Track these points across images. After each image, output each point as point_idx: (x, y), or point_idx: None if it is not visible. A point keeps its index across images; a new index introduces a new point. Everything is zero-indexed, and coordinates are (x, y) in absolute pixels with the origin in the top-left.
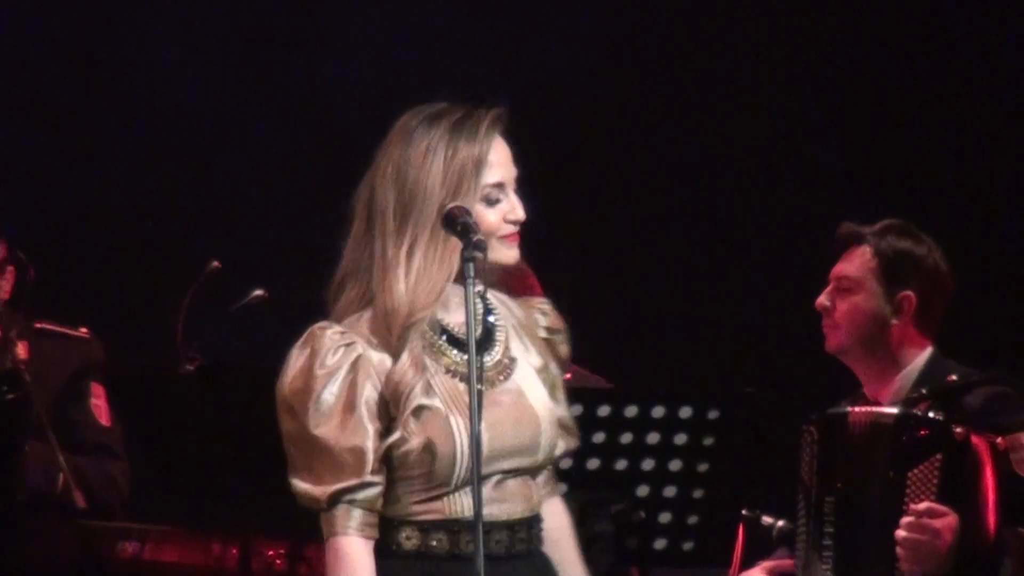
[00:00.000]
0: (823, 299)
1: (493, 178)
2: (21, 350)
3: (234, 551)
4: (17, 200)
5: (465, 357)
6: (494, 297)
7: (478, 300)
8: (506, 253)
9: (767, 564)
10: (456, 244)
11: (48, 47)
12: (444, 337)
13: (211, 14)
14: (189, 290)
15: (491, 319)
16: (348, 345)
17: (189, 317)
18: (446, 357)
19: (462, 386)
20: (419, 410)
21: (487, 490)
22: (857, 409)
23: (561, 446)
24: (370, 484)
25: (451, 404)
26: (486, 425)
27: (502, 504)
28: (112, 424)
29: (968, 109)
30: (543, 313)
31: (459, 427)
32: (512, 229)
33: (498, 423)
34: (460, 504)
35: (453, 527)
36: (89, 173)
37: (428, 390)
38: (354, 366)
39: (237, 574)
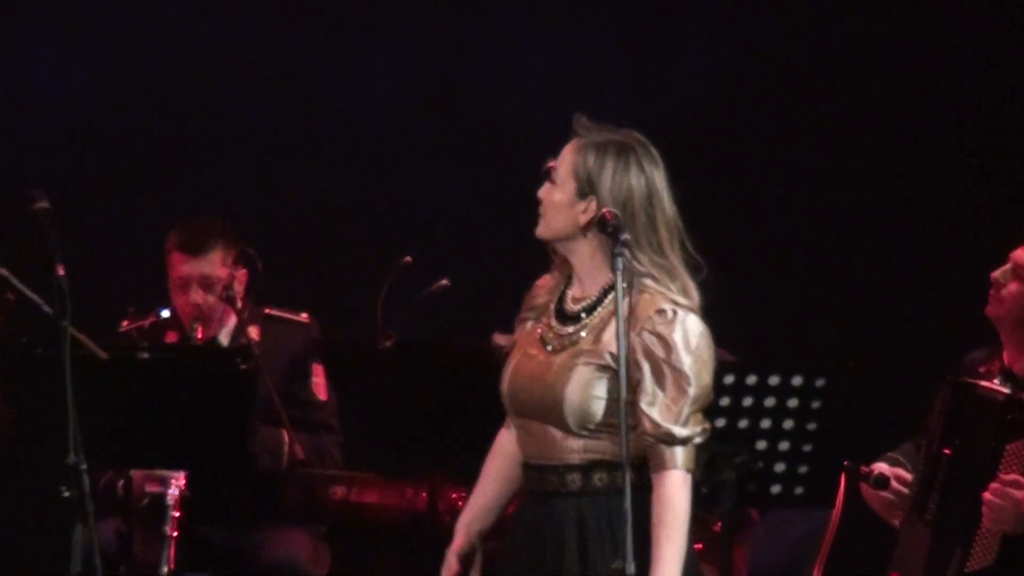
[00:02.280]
0: (998, 274)
1: None
2: (253, 332)
3: (423, 495)
4: (251, 206)
5: (548, 321)
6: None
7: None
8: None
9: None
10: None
11: (262, 69)
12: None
13: (392, 31)
14: (386, 280)
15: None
16: None
17: (387, 303)
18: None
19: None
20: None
21: (517, 431)
22: (982, 383)
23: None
24: None
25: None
26: (511, 374)
27: (527, 447)
28: (328, 398)
29: None
30: (657, 323)
31: (505, 371)
32: None
33: (518, 375)
34: (517, 439)
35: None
36: (305, 183)
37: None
38: None
39: (426, 513)
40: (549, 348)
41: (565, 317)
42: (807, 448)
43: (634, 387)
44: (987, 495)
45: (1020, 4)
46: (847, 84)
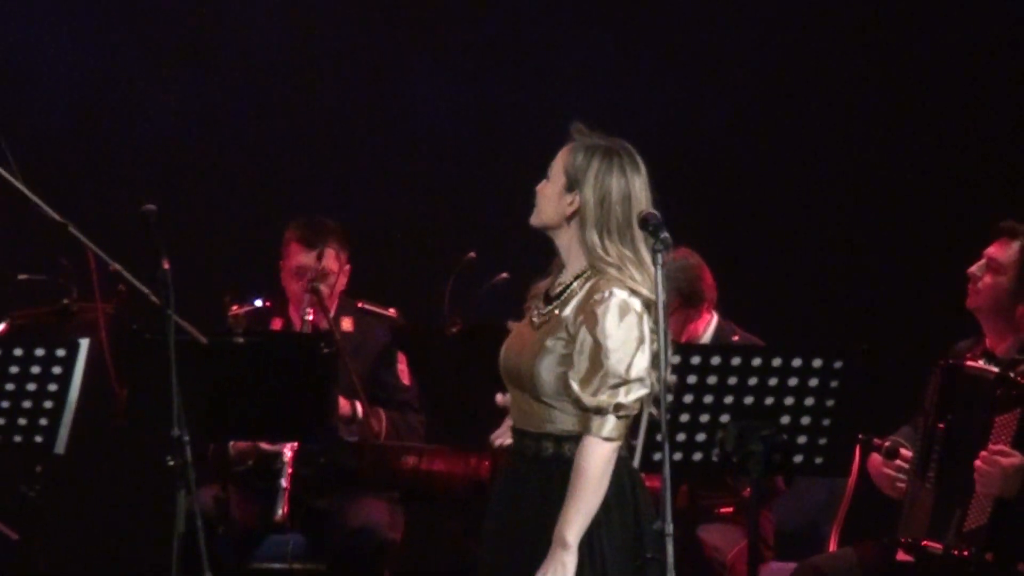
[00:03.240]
0: (975, 269)
1: None
2: (347, 324)
3: (486, 463)
4: (337, 209)
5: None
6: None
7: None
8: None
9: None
10: None
11: (347, 89)
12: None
13: (455, 57)
14: (453, 274)
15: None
16: None
17: (453, 294)
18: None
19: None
20: None
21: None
22: (971, 364)
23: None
24: None
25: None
26: (504, 350)
27: (513, 414)
28: (411, 383)
29: None
30: (594, 301)
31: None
32: None
33: (508, 349)
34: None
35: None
36: (385, 190)
37: None
38: None
39: (487, 480)
40: (532, 326)
41: (548, 299)
42: (826, 423)
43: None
44: (978, 463)
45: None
46: (864, 83)
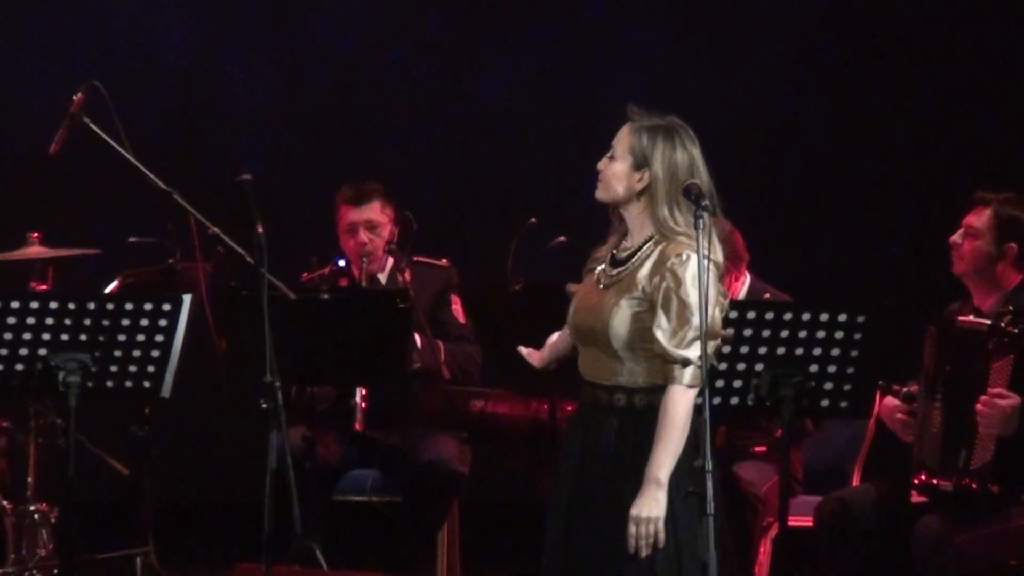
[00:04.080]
0: (956, 237)
1: None
2: (407, 275)
3: (545, 407)
4: (416, 179)
5: (603, 267)
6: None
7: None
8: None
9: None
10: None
11: (419, 68)
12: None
13: (522, 36)
14: (515, 237)
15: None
16: None
17: (516, 254)
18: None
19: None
20: None
21: (580, 354)
22: (963, 318)
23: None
24: None
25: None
26: (573, 309)
27: (585, 367)
28: (466, 320)
29: None
30: (674, 263)
31: (571, 307)
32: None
33: (578, 309)
34: (579, 361)
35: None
36: (457, 162)
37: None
38: None
39: (547, 422)
40: (602, 286)
41: (616, 262)
42: (850, 371)
43: (652, 315)
44: (979, 406)
45: None
46: (890, 62)
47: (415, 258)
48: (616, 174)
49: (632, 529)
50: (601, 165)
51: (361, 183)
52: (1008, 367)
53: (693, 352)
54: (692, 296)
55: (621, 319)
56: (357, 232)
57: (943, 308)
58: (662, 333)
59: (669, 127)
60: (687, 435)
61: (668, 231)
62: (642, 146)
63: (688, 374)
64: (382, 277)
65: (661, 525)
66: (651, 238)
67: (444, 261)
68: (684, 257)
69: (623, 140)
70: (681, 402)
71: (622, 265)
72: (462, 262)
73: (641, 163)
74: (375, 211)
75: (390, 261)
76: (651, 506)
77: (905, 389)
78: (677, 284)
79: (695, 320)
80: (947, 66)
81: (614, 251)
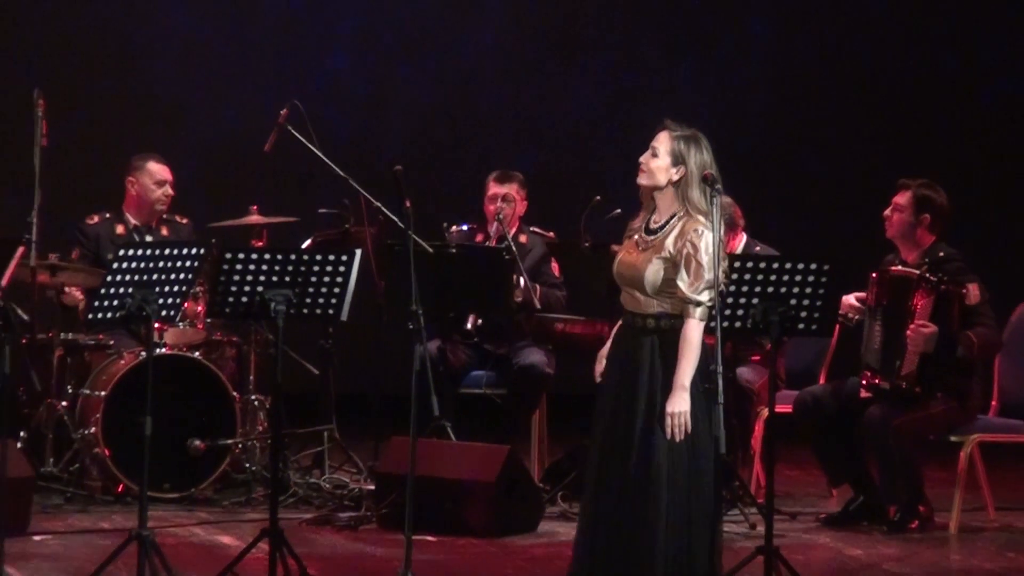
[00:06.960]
0: (887, 212)
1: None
2: (523, 239)
3: (605, 328)
4: (521, 166)
5: (639, 235)
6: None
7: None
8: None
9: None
10: None
11: (514, 83)
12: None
13: (593, 54)
14: (586, 209)
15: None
16: None
17: (588, 219)
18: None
19: (626, 242)
20: None
21: (622, 293)
22: (895, 268)
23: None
24: None
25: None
26: (617, 263)
27: (627, 302)
28: (560, 276)
29: None
30: (692, 236)
31: (616, 260)
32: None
33: (621, 263)
34: (621, 298)
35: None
36: (547, 156)
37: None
38: None
39: (607, 336)
40: (639, 248)
41: (649, 231)
42: (819, 304)
43: (675, 270)
44: (908, 332)
45: None
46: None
47: (532, 229)
48: (659, 168)
49: (668, 421)
50: (643, 159)
51: (507, 170)
52: (930, 305)
53: (704, 296)
54: (704, 259)
55: (653, 271)
56: (496, 201)
57: (880, 260)
58: (683, 283)
59: (695, 136)
60: (700, 352)
61: (695, 209)
62: (680, 149)
63: (699, 311)
64: (509, 237)
65: (688, 417)
66: (675, 215)
67: (551, 233)
68: (699, 231)
69: (664, 143)
70: (696, 330)
71: (654, 234)
72: (553, 226)
73: (678, 161)
74: (513, 189)
75: (512, 227)
76: (680, 403)
77: (856, 318)
78: (695, 251)
79: (707, 275)
80: (879, 90)
81: (648, 223)
